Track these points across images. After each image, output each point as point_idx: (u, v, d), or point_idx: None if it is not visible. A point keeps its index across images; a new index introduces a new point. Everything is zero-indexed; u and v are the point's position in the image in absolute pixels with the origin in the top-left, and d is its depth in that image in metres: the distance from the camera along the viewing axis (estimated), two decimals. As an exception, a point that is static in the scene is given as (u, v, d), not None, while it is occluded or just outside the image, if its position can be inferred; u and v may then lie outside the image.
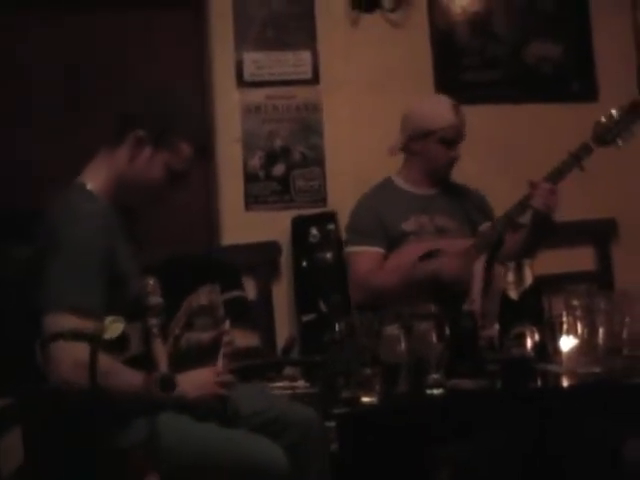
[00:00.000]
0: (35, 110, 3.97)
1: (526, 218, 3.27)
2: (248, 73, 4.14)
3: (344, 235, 3.64)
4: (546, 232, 3.29)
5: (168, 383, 2.02)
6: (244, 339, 3.37)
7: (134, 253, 2.38)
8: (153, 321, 2.13)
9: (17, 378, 2.21)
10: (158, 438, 2.06)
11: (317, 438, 2.40)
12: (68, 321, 2.09)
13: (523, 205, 3.20)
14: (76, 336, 2.02)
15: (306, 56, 4.18)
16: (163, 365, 2.03)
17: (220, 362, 2.42)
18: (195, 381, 2.32)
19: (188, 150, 2.36)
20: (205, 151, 2.47)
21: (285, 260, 4.08)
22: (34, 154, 3.90)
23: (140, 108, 2.40)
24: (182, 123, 2.38)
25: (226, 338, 2.48)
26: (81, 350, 1.95)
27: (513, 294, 2.60)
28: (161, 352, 2.06)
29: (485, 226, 3.38)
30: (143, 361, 2.11)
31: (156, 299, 2.21)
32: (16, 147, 3.92)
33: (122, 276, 2.25)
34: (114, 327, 2.07)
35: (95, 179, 2.34)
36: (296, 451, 2.33)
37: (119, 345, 2.10)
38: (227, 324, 2.51)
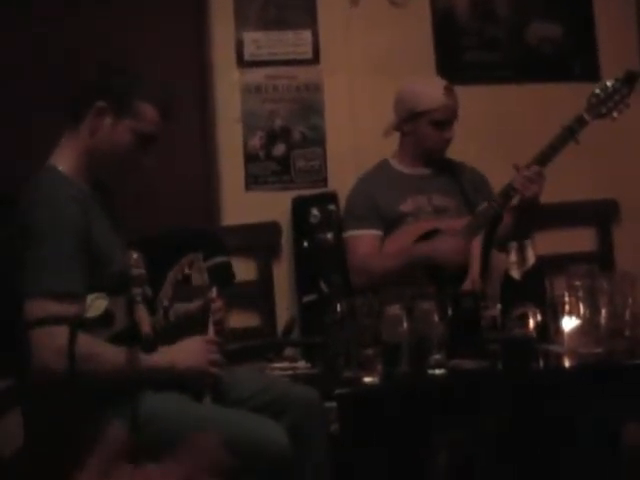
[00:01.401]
0: (35, 110, 3.92)
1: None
2: (248, 53, 4.11)
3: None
4: (531, 216, 3.27)
5: (150, 342, 2.01)
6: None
7: (116, 228, 2.38)
8: (137, 290, 2.13)
9: (14, 360, 2.20)
10: (139, 418, 2.04)
11: (318, 418, 2.40)
12: (49, 306, 2.08)
13: (508, 190, 3.18)
14: (57, 321, 2.00)
15: (307, 36, 4.15)
16: (146, 328, 2.02)
17: (210, 330, 2.41)
18: (186, 350, 2.31)
19: (152, 112, 2.35)
20: (171, 112, 2.43)
21: (286, 241, 4.06)
22: (34, 154, 3.85)
23: (93, 81, 2.40)
24: (140, 86, 2.37)
25: (214, 305, 2.46)
26: (63, 335, 1.91)
27: (516, 274, 2.60)
28: (144, 317, 2.05)
29: (482, 206, 3.36)
30: (128, 336, 2.11)
31: (139, 270, 2.21)
32: (16, 147, 3.88)
33: (102, 254, 2.24)
34: (97, 304, 2.06)
35: (65, 161, 2.34)
36: (297, 431, 2.32)
37: (104, 322, 2.09)
38: (214, 291, 2.49)
